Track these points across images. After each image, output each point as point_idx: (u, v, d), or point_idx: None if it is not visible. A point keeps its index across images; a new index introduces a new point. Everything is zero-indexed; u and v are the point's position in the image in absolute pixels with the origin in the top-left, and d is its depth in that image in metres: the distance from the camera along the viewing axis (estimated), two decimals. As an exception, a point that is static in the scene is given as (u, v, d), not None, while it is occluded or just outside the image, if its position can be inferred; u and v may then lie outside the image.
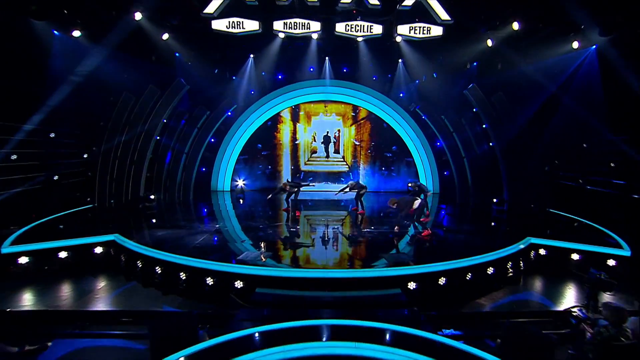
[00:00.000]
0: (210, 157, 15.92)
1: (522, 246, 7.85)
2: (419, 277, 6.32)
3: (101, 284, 6.93)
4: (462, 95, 12.67)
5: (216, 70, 14.15)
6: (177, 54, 11.85)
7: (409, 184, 16.49)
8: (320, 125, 16.51)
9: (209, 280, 6.21)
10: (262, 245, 7.29)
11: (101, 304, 5.99)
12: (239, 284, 6.08)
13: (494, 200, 11.66)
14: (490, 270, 6.99)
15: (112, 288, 6.79)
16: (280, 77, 15.68)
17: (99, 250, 7.61)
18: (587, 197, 11.39)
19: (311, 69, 15.55)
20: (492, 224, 10.51)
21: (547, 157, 11.72)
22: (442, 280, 6.42)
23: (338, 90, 15.95)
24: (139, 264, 6.93)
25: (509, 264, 7.32)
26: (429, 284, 6.36)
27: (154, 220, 9.92)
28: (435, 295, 6.35)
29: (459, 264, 6.72)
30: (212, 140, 15.72)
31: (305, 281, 6.07)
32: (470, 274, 6.70)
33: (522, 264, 7.64)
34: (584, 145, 12.19)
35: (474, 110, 12.98)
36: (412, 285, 6.19)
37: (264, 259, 6.69)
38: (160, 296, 6.40)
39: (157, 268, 6.68)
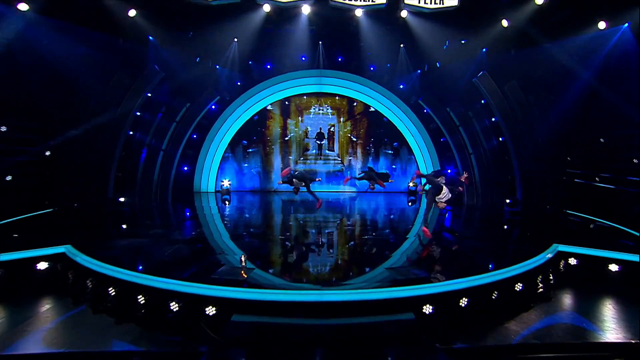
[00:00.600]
0: (192, 155, 14.64)
1: (550, 255, 6.77)
2: (437, 298, 5.16)
3: (42, 309, 5.63)
4: (470, 85, 11.58)
5: (197, 59, 12.86)
6: (150, 38, 10.56)
7: (409, 184, 15.56)
8: (313, 120, 15.32)
9: (174, 306, 4.97)
10: (243, 258, 6.06)
11: (31, 339, 4.70)
12: (210, 311, 4.86)
13: (507, 201, 10.59)
14: (518, 287, 5.87)
15: (55, 314, 5.50)
16: (269, 66, 14.45)
17: (43, 266, 6.30)
18: (608, 197, 10.39)
19: (303, 58, 14.37)
20: (506, 227, 9.43)
21: (560, 152, 10.68)
22: (463, 302, 5.27)
23: (333, 82, 14.79)
24: (89, 283, 5.66)
25: (539, 278, 6.21)
26: (448, 306, 5.21)
27: (122, 227, 8.63)
28: (455, 319, 5.20)
29: (483, 280, 5.59)
30: (194, 136, 14.44)
31: (292, 306, 4.87)
32: (495, 292, 5.57)
33: (552, 277, 6.54)
34: (602, 139, 11.20)
35: (482, 102, 11.91)
36: (428, 308, 5.03)
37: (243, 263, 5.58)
38: (112, 326, 5.13)
39: (109, 289, 5.42)
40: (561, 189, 10.59)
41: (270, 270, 6.10)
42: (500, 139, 11.93)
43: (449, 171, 14.74)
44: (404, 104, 14.51)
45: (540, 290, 6.17)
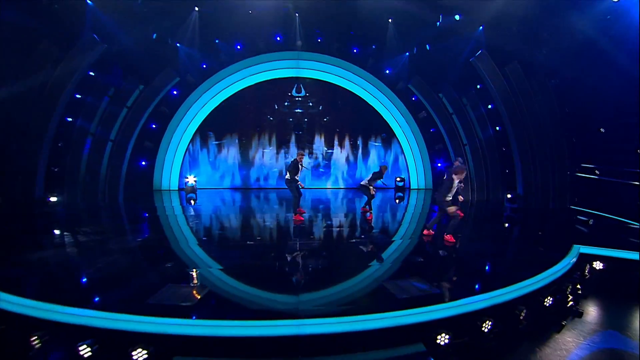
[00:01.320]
0: (151, 147, 12.91)
1: (573, 260, 5.76)
2: (452, 322, 3.96)
3: None
4: (465, 68, 10.56)
5: (154, 35, 11.15)
6: (88, 2, 8.77)
7: (397, 179, 14.47)
8: (291, 109, 13.90)
9: (84, 350, 3.50)
10: (194, 275, 4.64)
11: None
12: (140, 355, 3.42)
13: (508, 196, 9.64)
14: (547, 301, 4.77)
15: None
16: (239, 47, 12.91)
17: None
18: (611, 191, 9.65)
19: (277, 38, 12.94)
20: (508, 225, 8.43)
21: (564, 142, 9.83)
22: (486, 326, 4.09)
23: (312, 66, 13.42)
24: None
25: (567, 288, 5.15)
26: (467, 332, 4.02)
27: (41, 235, 6.95)
28: (476, 349, 4.02)
29: (506, 296, 4.46)
30: (153, 126, 12.74)
31: (260, 343, 3.53)
32: (521, 310, 4.43)
33: (579, 286, 5.51)
34: (601, 130, 10.48)
35: (478, 86, 10.93)
36: (442, 338, 3.80)
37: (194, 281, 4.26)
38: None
39: (-4, 325, 3.86)
40: (565, 183, 9.73)
41: (231, 292, 4.71)
42: (498, 128, 10.99)
43: (439, 165, 13.79)
44: (391, 90, 13.38)
45: (570, 303, 5.12)
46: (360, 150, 14.24)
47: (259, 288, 4.68)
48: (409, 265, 5.53)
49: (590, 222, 8.15)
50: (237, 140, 13.93)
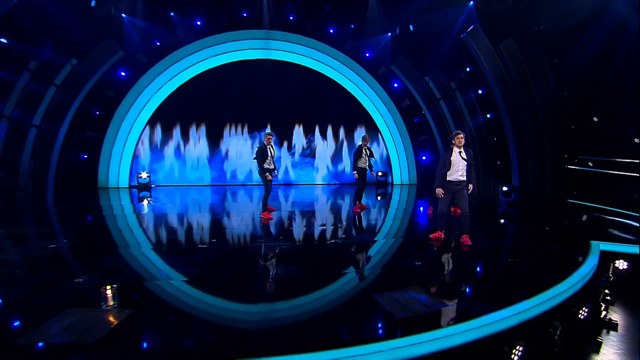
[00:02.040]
0: (95, 137, 11.25)
1: (596, 259, 4.88)
2: (472, 350, 2.88)
3: None
4: (454, 48, 9.69)
5: (93, 3, 9.53)
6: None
7: (379, 174, 13.48)
8: (259, 94, 12.60)
9: None
10: (108, 293, 3.31)
11: None
12: None
13: (504, 188, 8.81)
14: (582, 313, 3.79)
15: None
16: (199, 22, 11.50)
17: None
18: (608, 183, 9.05)
19: (244, 14, 11.65)
20: (504, 221, 7.56)
21: (563, 130, 9.15)
22: (517, 353, 3.03)
23: (283, 47, 12.21)
24: None
25: (600, 295, 4.21)
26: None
27: None
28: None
29: (534, 310, 3.45)
30: (97, 112, 11.10)
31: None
32: (559, 327, 3.42)
33: (607, 292, 4.61)
34: (595, 119, 9.92)
35: (468, 69, 10.11)
36: (463, 377, 2.70)
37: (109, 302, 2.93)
38: None
39: None
40: (563, 173, 9.03)
41: (172, 323, 3.41)
42: (489, 115, 10.20)
43: (423, 158, 12.93)
44: (371, 76, 12.39)
45: (604, 312, 4.19)
46: (342, 143, 13.16)
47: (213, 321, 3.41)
48: (403, 271, 4.44)
49: (584, 218, 7.46)
50: (197, 129, 12.49)
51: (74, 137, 10.11)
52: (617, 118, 9.05)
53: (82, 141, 10.86)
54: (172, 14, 10.90)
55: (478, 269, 4.63)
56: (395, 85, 12.45)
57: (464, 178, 5.23)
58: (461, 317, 3.20)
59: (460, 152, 5.14)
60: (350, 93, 12.67)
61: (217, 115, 12.33)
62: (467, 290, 3.94)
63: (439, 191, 5.29)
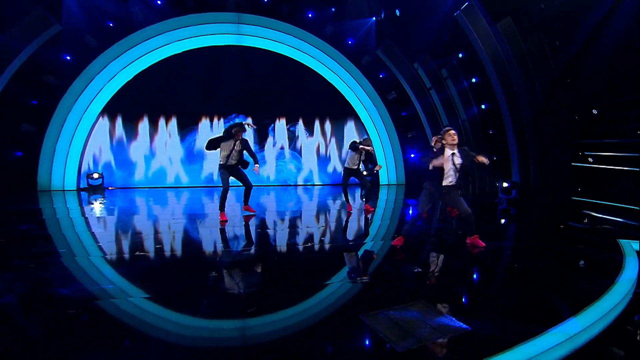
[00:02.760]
0: (34, 131, 9.87)
1: (636, 261, 4.04)
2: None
3: None
4: (444, 30, 8.94)
5: None
6: None
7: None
8: (227, 84, 11.51)
9: None
10: None
11: None
12: None
13: (505, 184, 8.02)
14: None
15: None
16: (159, 2, 10.38)
17: None
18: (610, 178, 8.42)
19: (212, -6, 10.63)
20: (505, 221, 6.72)
21: (565, 120, 8.49)
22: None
23: (257, 32, 11.22)
24: None
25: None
26: None
27: None
28: None
29: (587, 332, 2.51)
30: (34, 102, 9.75)
31: None
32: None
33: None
34: (594, 111, 9.36)
35: (460, 55, 9.37)
36: None
37: None
38: None
39: None
40: (567, 168, 8.34)
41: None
42: (483, 106, 9.48)
43: (412, 155, 12.12)
44: (354, 65, 11.53)
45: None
46: (321, 139, 12.23)
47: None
48: (399, 281, 3.43)
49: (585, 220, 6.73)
50: (163, 124, 11.30)
51: (5, 131, 8.74)
52: (627, 108, 8.48)
53: (16, 135, 9.48)
54: (127, -12, 9.75)
55: (497, 277, 3.69)
56: (381, 76, 11.64)
57: (454, 184, 4.34)
58: (489, 346, 2.20)
59: (453, 154, 4.30)
60: (331, 84, 11.77)
61: (182, 107, 11.19)
62: (489, 305, 2.97)
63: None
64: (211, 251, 4.44)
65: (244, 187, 6.16)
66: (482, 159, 4.27)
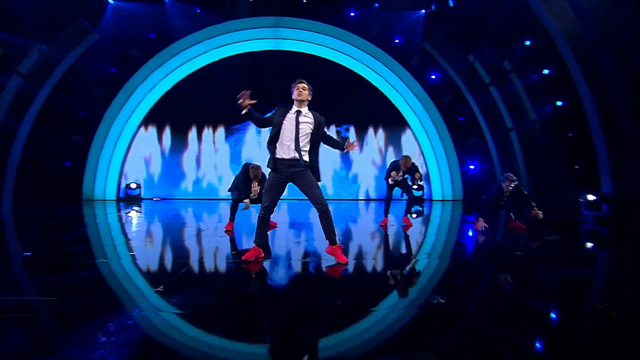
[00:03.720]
0: (81, 142, 10.40)
1: None
2: None
3: None
4: (506, 15, 7.66)
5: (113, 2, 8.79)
6: None
7: (414, 187, 11.34)
8: (266, 90, 11.19)
9: None
10: None
11: None
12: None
13: (591, 197, 6.41)
14: None
15: None
16: (197, 10, 10.52)
17: None
18: None
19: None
20: (593, 247, 5.14)
21: None
22: None
23: (295, 35, 10.87)
24: None
25: None
26: None
27: None
28: None
29: None
30: (83, 113, 10.29)
31: None
32: None
33: None
34: None
35: (528, 42, 7.97)
36: None
37: None
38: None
39: None
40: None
41: None
42: (559, 103, 7.91)
43: (471, 167, 10.67)
44: (401, 66, 10.58)
45: None
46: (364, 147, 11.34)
47: None
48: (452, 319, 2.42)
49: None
50: (197, 134, 11.32)
51: (57, 141, 9.32)
52: None
53: (66, 146, 10.06)
54: (166, 0, 10.01)
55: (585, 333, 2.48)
56: (433, 76, 10.53)
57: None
58: None
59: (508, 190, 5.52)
60: (376, 87, 10.93)
61: (223, 114, 11.09)
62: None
63: (481, 224, 5.36)
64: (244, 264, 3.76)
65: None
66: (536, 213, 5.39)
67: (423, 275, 3.42)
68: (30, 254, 4.05)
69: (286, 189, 3.73)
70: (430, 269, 3.66)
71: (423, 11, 9.78)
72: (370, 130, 11.44)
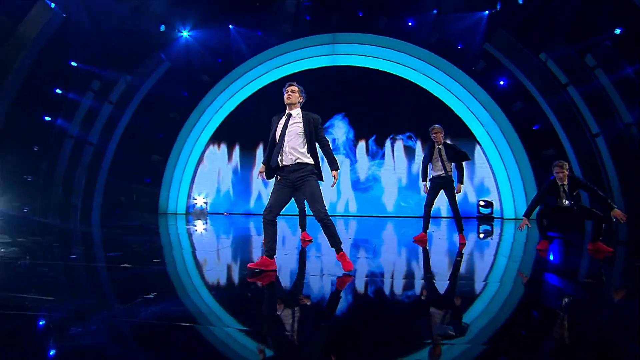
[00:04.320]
0: (159, 160, 11.52)
1: None
2: None
3: None
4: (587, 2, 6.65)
5: (162, 27, 9.95)
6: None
7: (481, 203, 10.31)
8: (324, 105, 11.24)
9: None
10: None
11: None
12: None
13: None
14: None
15: None
16: (259, 34, 11.11)
17: None
18: None
19: (307, 18, 10.85)
20: None
21: None
22: None
23: (352, 49, 10.87)
24: None
25: None
26: None
27: None
28: None
29: None
30: (161, 135, 11.43)
31: None
32: None
33: None
34: None
35: (617, 31, 6.80)
36: None
37: None
38: None
39: None
40: None
41: None
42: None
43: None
44: (464, 73, 9.86)
45: None
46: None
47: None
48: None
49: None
50: (260, 151, 11.75)
51: (139, 160, 10.52)
52: None
53: (148, 164, 11.23)
54: (231, 26, 10.77)
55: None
56: (502, 82, 9.61)
57: None
58: None
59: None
60: (437, 97, 10.33)
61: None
62: None
63: (524, 223, 4.82)
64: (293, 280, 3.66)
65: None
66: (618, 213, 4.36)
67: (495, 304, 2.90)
68: (75, 256, 4.44)
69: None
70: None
71: (487, 12, 9.04)
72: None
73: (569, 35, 7.36)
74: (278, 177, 3.60)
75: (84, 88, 9.10)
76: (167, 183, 11.59)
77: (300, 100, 3.69)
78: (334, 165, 3.57)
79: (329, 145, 3.72)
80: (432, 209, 5.64)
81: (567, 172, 4.60)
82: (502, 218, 9.91)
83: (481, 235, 7.46)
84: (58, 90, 8.84)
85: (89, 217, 9.19)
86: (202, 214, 11.52)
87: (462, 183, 5.60)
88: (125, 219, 9.55)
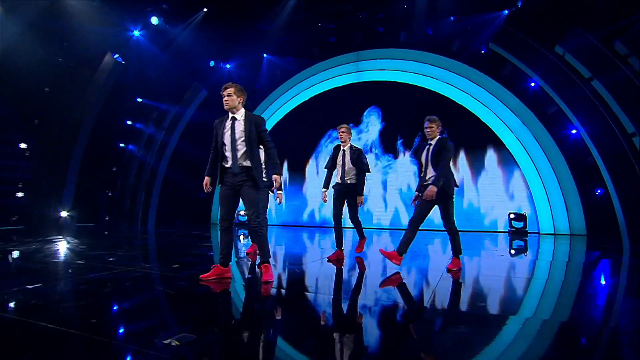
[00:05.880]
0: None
1: None
2: None
3: None
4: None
5: (212, 63, 11.64)
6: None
7: (512, 217, 9.28)
8: (349, 121, 11.42)
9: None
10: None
11: None
12: None
13: None
14: None
15: None
16: (290, 59, 12.03)
17: None
18: None
19: (332, 40, 11.40)
20: None
21: None
22: None
23: (375, 65, 11.00)
24: None
25: None
26: None
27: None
28: None
29: None
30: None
31: None
32: None
33: None
34: None
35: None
36: None
37: None
38: None
39: None
40: None
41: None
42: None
43: (597, 192, 8.10)
44: (491, 78, 9.20)
45: None
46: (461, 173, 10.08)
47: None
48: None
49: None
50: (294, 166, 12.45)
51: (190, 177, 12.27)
52: None
53: (201, 181, 12.88)
54: (265, 55, 11.89)
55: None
56: (532, 84, 8.69)
57: None
58: None
59: None
60: (462, 106, 9.78)
61: (307, 151, 11.94)
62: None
63: None
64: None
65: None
66: None
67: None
68: (115, 258, 5.34)
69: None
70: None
71: (506, 12, 8.37)
72: (462, 154, 10.11)
73: (587, 22, 6.24)
74: (221, 183, 3.59)
75: (147, 119, 11.13)
76: (217, 197, 13.07)
77: (240, 101, 3.51)
78: (275, 169, 3.49)
79: (272, 147, 3.55)
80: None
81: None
82: (538, 233, 8.78)
83: (512, 252, 6.58)
84: (129, 122, 10.96)
85: (146, 225, 11.04)
86: (245, 224, 12.66)
87: None
88: (186, 229, 11.04)
